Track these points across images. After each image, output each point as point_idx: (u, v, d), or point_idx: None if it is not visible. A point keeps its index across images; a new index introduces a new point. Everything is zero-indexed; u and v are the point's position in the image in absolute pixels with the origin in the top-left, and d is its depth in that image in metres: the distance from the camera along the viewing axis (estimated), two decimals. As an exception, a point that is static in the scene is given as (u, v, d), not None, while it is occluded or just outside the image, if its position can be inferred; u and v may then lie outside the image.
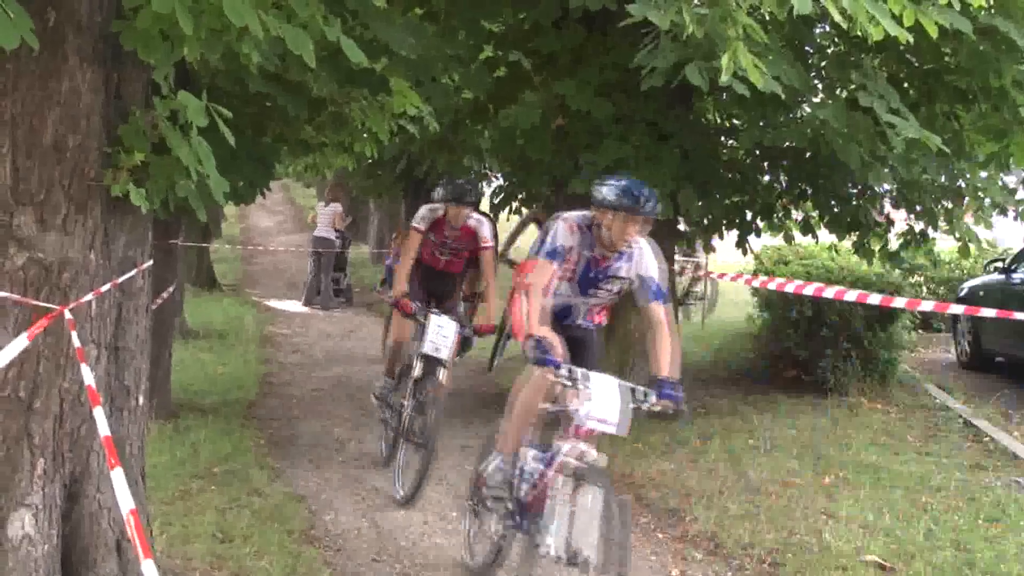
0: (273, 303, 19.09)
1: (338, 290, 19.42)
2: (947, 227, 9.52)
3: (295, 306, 18.86)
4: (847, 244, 10.23)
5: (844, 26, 4.94)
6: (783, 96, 6.85)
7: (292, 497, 6.88)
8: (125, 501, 3.06)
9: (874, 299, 7.40)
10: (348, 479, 7.50)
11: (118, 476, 3.18)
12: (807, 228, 9.88)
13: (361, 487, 7.29)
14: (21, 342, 4.05)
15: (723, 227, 9.80)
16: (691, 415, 8.99)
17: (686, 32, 4.47)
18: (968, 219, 9.59)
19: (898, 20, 4.83)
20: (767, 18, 5.45)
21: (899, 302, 7.69)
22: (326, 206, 19.47)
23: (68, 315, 4.26)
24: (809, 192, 9.26)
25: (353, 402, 10.42)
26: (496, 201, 11.07)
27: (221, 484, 6.98)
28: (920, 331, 12.97)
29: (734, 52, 4.49)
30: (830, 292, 7.89)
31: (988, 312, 8.82)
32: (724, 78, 4.72)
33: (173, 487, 6.74)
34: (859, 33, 5.00)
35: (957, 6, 5.18)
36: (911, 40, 5.09)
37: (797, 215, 10.04)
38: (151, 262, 4.94)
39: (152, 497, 5.67)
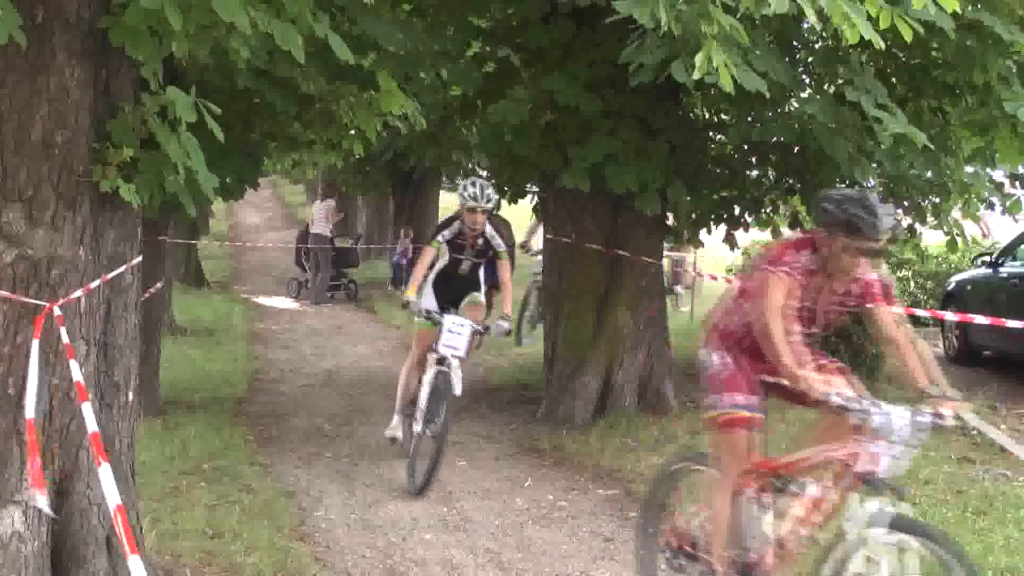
0: (262, 300, 19.06)
1: (337, 286, 19.19)
2: (935, 222, 9.54)
3: (284, 302, 18.82)
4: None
5: (818, 28, 4.95)
6: (768, 93, 6.86)
7: (282, 493, 6.89)
8: (112, 496, 3.06)
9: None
10: (338, 475, 7.50)
11: (106, 472, 3.18)
12: (795, 223, 9.89)
13: (351, 483, 7.29)
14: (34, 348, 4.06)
15: (711, 222, 9.80)
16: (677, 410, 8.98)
17: (662, 29, 4.48)
18: (956, 213, 9.61)
19: (874, 22, 4.84)
20: (754, 14, 5.43)
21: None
22: (321, 202, 19.39)
23: (57, 311, 4.25)
24: (797, 187, 9.27)
25: (342, 398, 10.43)
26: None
27: (211, 480, 6.98)
28: (908, 325, 12.99)
29: (708, 50, 4.50)
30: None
31: (984, 320, 8.89)
32: (695, 75, 4.74)
33: (163, 484, 6.74)
34: (835, 32, 5.01)
35: (932, 9, 5.17)
36: (883, 46, 5.10)
37: (785, 210, 10.04)
38: (140, 258, 4.94)
39: (142, 493, 5.66)
